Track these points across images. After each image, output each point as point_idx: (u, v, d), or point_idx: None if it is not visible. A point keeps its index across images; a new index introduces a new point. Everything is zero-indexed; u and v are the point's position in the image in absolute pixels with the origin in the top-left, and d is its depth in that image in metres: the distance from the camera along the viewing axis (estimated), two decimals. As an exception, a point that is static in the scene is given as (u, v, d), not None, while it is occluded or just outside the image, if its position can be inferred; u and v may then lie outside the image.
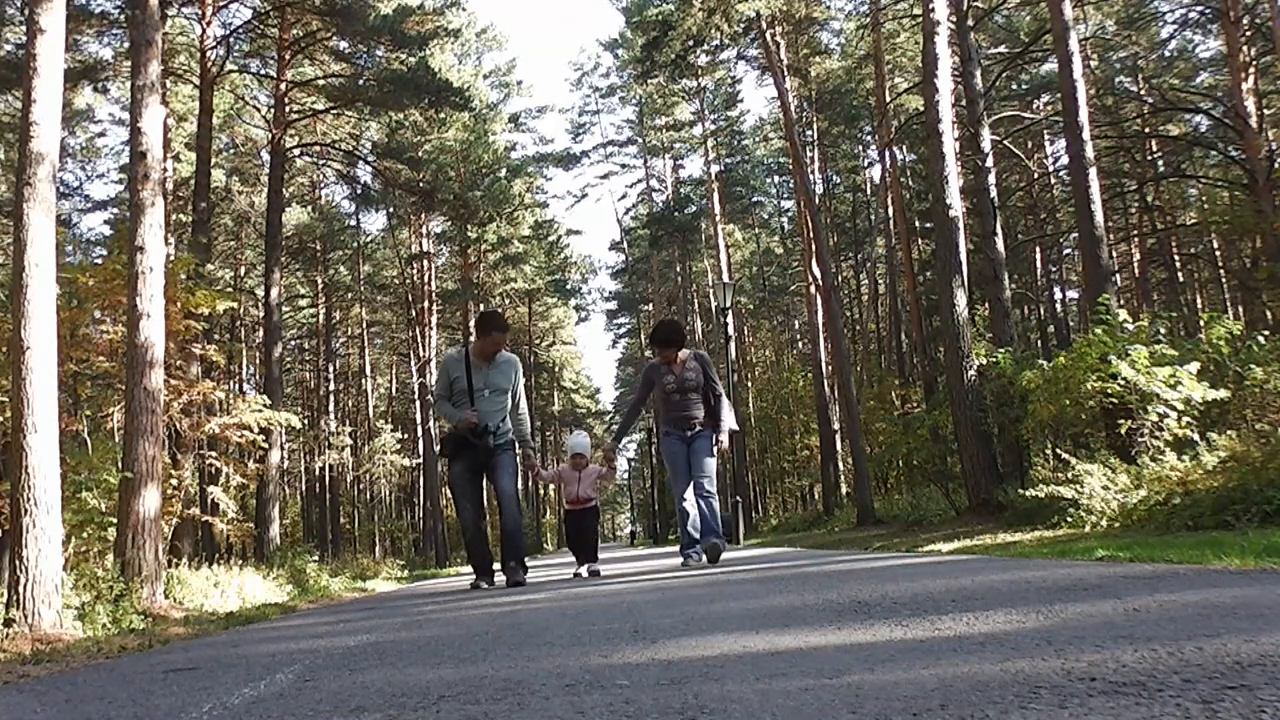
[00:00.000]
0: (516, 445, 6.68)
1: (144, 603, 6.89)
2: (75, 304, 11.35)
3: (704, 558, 6.64)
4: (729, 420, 6.89)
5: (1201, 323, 11.66)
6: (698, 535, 6.76)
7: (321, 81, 20.26)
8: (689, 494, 6.80)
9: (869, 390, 27.80)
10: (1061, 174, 22.71)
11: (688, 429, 6.78)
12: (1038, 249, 25.67)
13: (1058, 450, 10.19)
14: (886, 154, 26.48)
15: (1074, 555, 4.78)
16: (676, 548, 7.89)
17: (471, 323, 35.83)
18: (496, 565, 6.85)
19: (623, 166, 44.88)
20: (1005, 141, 20.24)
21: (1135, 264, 27.05)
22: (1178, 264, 26.00)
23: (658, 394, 6.87)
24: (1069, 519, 8.48)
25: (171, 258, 12.37)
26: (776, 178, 42.95)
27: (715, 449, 6.82)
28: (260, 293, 24.15)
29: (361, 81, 19.99)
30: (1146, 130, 22.98)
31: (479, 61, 36.75)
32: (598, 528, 7.82)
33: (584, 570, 7.53)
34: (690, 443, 6.76)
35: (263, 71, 20.87)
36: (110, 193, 38.14)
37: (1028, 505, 9.42)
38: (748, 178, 42.21)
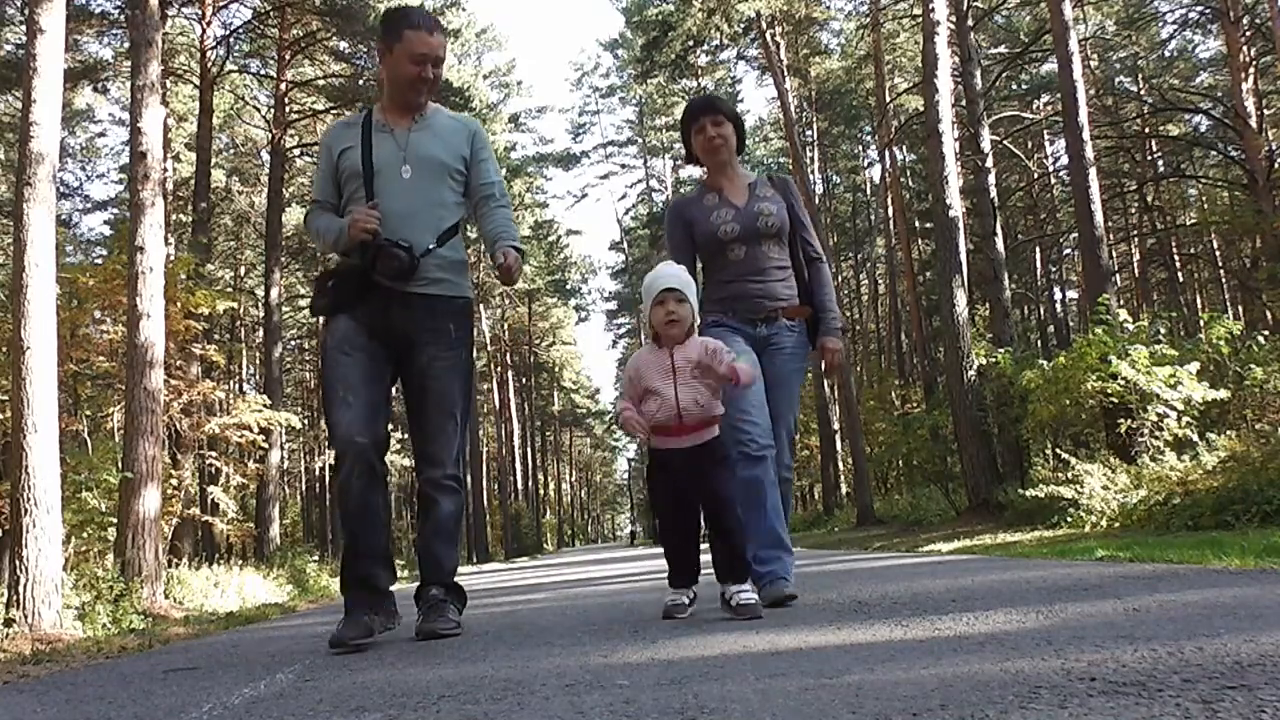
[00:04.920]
0: (472, 318, 3.31)
1: (144, 603, 6.90)
2: (75, 304, 11.35)
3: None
4: (835, 307, 3.58)
5: (1201, 323, 11.66)
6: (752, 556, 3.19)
7: (321, 81, 20.26)
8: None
9: (869, 390, 27.79)
10: (1061, 174, 22.71)
11: (759, 320, 3.39)
12: (1038, 249, 25.66)
13: (1058, 450, 10.20)
14: (886, 154, 26.48)
15: (1074, 555, 4.78)
16: None
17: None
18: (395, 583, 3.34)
19: (623, 166, 44.90)
20: (1005, 141, 20.26)
21: (1135, 264, 27.05)
22: (1178, 264, 25.98)
23: (702, 254, 3.47)
24: (1069, 519, 8.48)
25: (171, 258, 12.37)
26: (777, 178, 42.90)
27: (802, 375, 3.54)
28: (260, 293, 24.14)
29: (361, 81, 19.97)
30: (1146, 130, 22.98)
31: (479, 61, 36.78)
32: (728, 492, 2.96)
33: (729, 597, 2.87)
34: (762, 351, 3.34)
35: (263, 71, 20.87)
36: (110, 193, 38.16)
37: (1028, 505, 9.42)
38: (748, 178, 42.15)
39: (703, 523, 3.02)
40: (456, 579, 3.17)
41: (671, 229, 3.54)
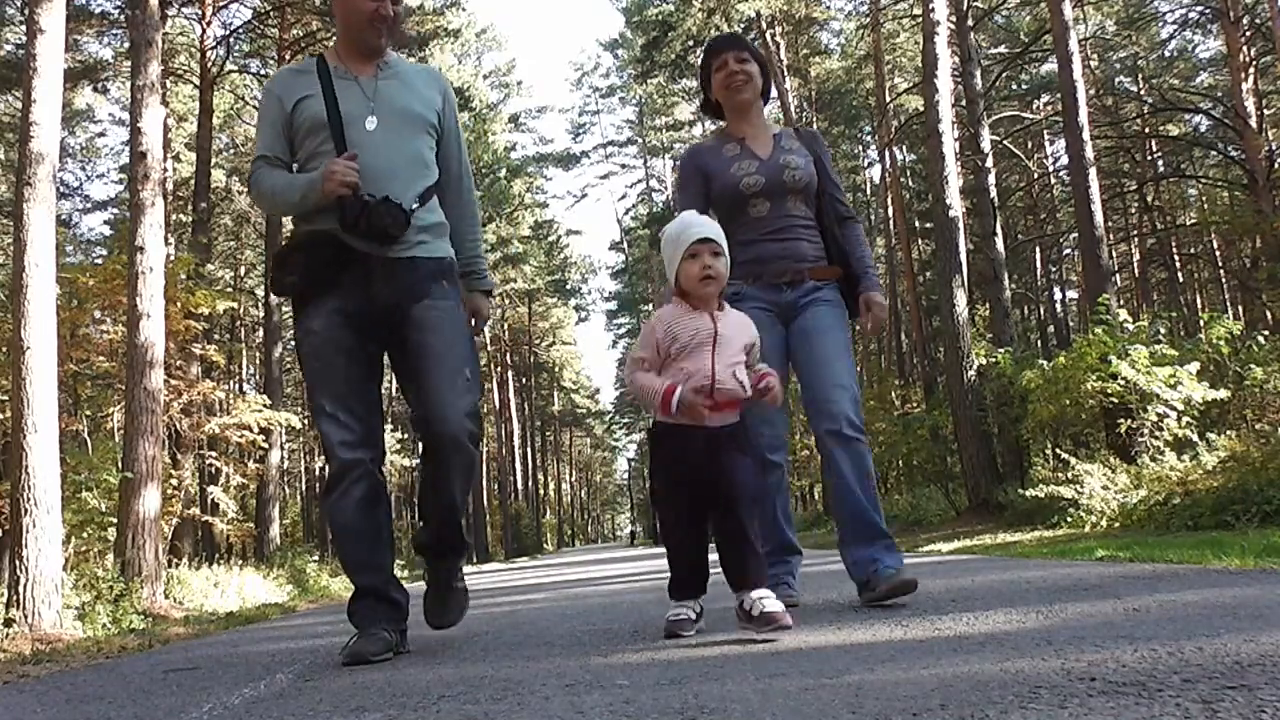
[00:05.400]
0: (458, 278, 2.86)
1: (144, 603, 6.90)
2: (75, 304, 11.36)
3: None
4: (872, 268, 3.22)
5: (1201, 323, 11.67)
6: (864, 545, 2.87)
7: (321, 81, 20.26)
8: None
9: (869, 390, 27.76)
10: (1061, 174, 22.71)
11: (785, 284, 3.03)
12: (1038, 249, 25.66)
13: (1058, 450, 10.20)
14: (886, 154, 26.47)
15: (1074, 555, 4.78)
16: None
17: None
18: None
19: (623, 166, 44.94)
20: (1005, 141, 20.27)
21: (1135, 264, 27.04)
22: (1178, 264, 25.98)
23: (719, 209, 3.07)
24: (1069, 519, 8.48)
25: (171, 258, 12.38)
26: (776, 177, 42.91)
27: (847, 330, 3.13)
28: (260, 293, 24.13)
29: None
30: (1146, 130, 22.98)
31: (479, 61, 36.78)
32: (753, 484, 2.49)
33: (749, 606, 2.32)
34: (795, 315, 3.04)
35: (263, 71, 20.87)
36: (110, 193, 38.16)
37: (1028, 505, 9.43)
38: (748, 178, 42.19)
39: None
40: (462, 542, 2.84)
41: (686, 179, 3.10)
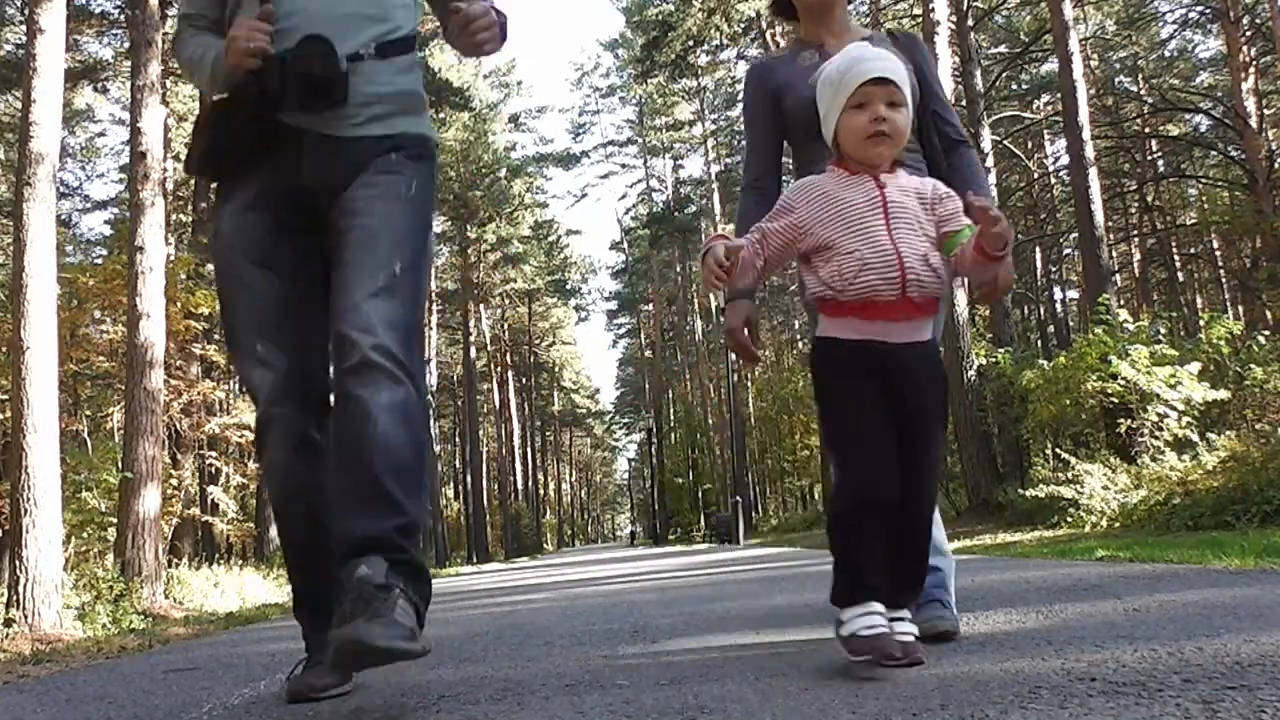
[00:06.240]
0: (430, 157, 2.05)
1: (144, 603, 6.90)
2: (75, 304, 11.36)
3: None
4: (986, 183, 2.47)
5: (1201, 323, 11.67)
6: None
7: (321, 81, 20.27)
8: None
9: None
10: (1061, 174, 22.72)
11: None
12: (1038, 249, 25.66)
13: (1058, 450, 10.19)
14: (886, 154, 26.45)
15: (1074, 555, 4.78)
16: (682, 546, 6.60)
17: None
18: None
19: (623, 166, 44.92)
20: (1005, 141, 20.26)
21: (1135, 264, 27.05)
22: (1178, 264, 25.98)
23: (793, 134, 2.32)
24: (1069, 519, 8.48)
25: (171, 258, 12.38)
26: (777, 177, 42.92)
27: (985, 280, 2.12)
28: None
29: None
30: (1146, 130, 22.98)
31: (479, 61, 36.75)
32: (937, 452, 1.73)
33: (892, 626, 1.61)
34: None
35: (263, 71, 20.88)
36: (110, 193, 38.14)
37: (1028, 505, 9.43)
38: (748, 178, 42.19)
39: None
40: (414, 550, 1.69)
41: (753, 101, 2.39)
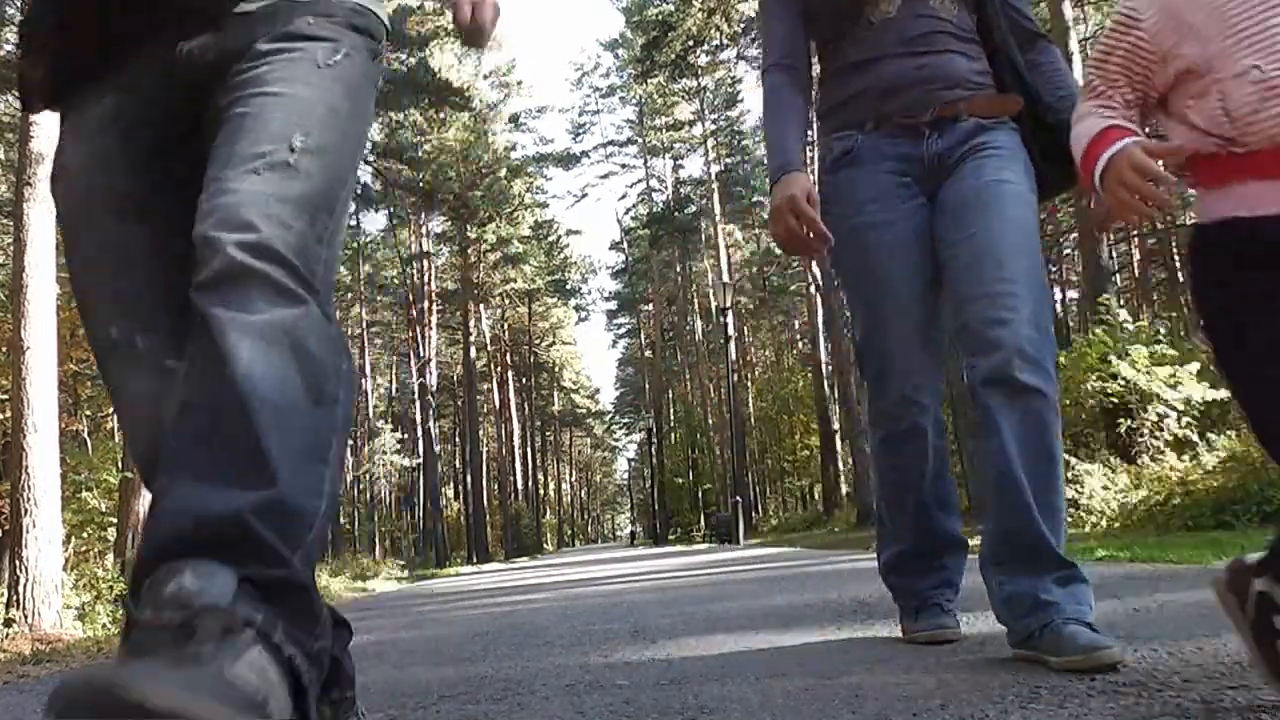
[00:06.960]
0: (366, 27, 1.29)
1: (144, 603, 6.89)
2: (75, 304, 11.36)
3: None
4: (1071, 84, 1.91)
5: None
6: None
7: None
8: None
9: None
10: (1061, 174, 22.69)
11: (926, 124, 1.84)
12: (1037, 249, 25.66)
13: (1058, 450, 10.18)
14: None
15: (1074, 555, 4.78)
16: (682, 546, 6.62)
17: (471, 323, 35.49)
18: None
19: (623, 166, 44.88)
20: (1005, 141, 20.21)
21: (1135, 264, 27.06)
22: (1178, 264, 25.99)
23: (822, 16, 1.95)
24: (1069, 519, 8.49)
25: (171, 258, 12.35)
26: (777, 177, 42.85)
27: (1033, 201, 1.83)
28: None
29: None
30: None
31: (479, 61, 36.72)
32: None
33: None
34: (946, 176, 1.84)
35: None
36: (110, 193, 38.10)
37: (1028, 505, 9.42)
38: (748, 178, 42.22)
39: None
40: (291, 553, 0.94)
41: None
